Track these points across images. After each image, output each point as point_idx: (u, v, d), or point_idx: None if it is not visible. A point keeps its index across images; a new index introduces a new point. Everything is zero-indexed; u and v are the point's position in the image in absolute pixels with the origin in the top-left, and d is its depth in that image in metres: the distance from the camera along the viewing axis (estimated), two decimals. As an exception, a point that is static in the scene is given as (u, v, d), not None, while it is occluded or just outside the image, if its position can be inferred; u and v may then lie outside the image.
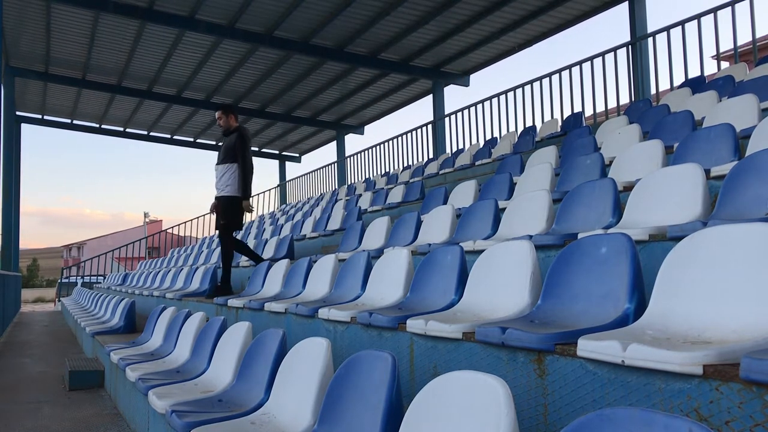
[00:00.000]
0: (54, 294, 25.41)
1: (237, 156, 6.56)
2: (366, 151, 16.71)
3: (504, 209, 4.44)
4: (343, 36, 13.18)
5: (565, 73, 10.34)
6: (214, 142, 22.20)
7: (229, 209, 6.58)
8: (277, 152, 23.07)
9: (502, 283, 2.83)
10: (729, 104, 4.85)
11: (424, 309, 3.09)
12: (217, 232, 6.95)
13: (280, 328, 3.23)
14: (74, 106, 19.14)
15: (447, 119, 14.21)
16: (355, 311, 3.37)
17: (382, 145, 15.85)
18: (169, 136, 21.53)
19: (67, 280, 23.51)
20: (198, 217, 22.29)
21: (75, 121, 20.52)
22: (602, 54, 9.61)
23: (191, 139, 21.89)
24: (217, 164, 6.73)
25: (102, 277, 20.60)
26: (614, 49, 9.50)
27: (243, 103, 17.97)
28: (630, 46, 9.65)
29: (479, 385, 1.64)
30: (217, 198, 6.70)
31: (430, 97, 15.46)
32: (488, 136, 12.08)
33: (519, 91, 11.42)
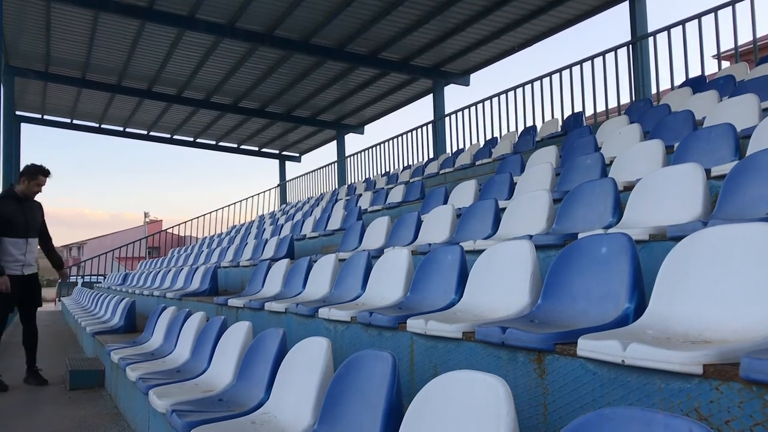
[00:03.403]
0: (54, 294, 25.40)
1: (44, 230, 6.37)
2: (366, 151, 16.72)
3: (504, 209, 4.43)
4: (343, 35, 13.18)
5: (566, 73, 10.34)
6: (214, 142, 22.20)
7: (37, 287, 6.35)
8: (277, 152, 23.06)
9: (502, 283, 2.83)
10: (729, 104, 4.85)
11: (424, 309, 3.09)
12: (25, 313, 6.40)
13: (280, 327, 3.23)
14: (74, 106, 19.13)
15: (447, 119, 14.21)
16: (355, 311, 3.37)
17: (382, 145, 15.85)
18: (169, 135, 21.51)
19: (67, 280, 23.44)
20: (198, 217, 22.33)
21: (75, 121, 20.50)
22: (602, 54, 9.60)
23: (191, 139, 21.88)
24: (28, 236, 6.16)
25: (102, 277, 20.61)
26: (615, 49, 9.49)
27: (243, 103, 17.97)
28: (630, 46, 9.65)
29: (479, 384, 1.64)
30: (24, 276, 6.11)
31: (430, 97, 15.46)
32: (488, 136, 12.08)
33: (519, 91, 11.42)
